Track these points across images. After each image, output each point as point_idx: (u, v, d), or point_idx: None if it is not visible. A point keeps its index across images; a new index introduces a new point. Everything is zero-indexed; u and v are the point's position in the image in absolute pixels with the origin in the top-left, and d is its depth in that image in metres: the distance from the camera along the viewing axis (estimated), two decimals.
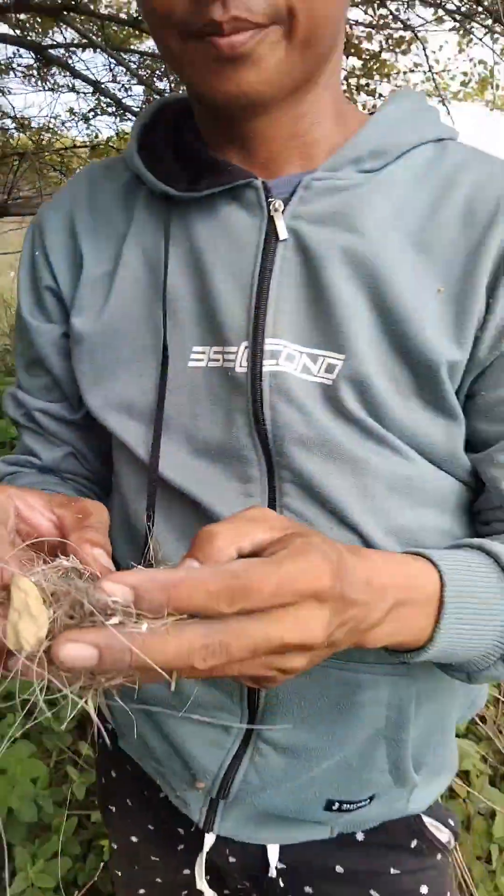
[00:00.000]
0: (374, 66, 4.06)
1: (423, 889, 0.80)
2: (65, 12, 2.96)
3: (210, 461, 0.68)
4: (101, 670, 0.38)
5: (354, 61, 4.14)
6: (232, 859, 0.81)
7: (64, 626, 0.39)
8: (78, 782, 1.92)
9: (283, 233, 0.64)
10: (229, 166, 0.65)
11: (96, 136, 4.70)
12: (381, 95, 3.86)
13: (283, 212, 0.64)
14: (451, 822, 0.84)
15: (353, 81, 4.16)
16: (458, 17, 2.46)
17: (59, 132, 4.78)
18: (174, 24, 0.57)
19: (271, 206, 0.64)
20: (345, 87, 4.11)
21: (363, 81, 4.20)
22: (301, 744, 0.71)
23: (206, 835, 0.79)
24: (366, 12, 3.38)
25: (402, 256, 0.63)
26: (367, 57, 4.05)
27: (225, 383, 0.66)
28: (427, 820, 0.81)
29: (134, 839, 0.92)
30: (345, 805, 0.74)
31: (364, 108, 4.48)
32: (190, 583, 0.40)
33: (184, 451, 0.69)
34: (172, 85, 4.12)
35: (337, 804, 0.74)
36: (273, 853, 0.79)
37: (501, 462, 0.66)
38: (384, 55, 4.11)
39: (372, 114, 0.69)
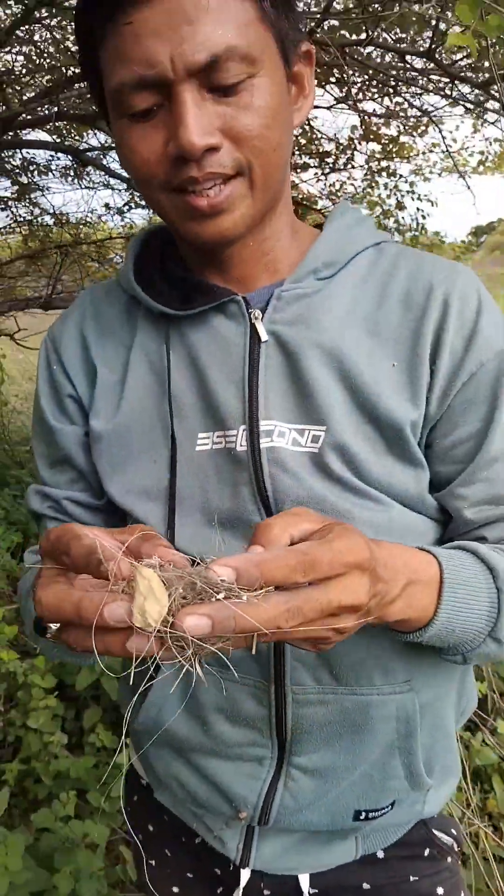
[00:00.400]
0: (394, 150, 4.23)
1: (440, 890, 0.91)
2: (98, 120, 3.20)
3: (222, 529, 0.80)
4: (213, 635, 0.48)
5: (374, 146, 4.32)
6: (267, 892, 0.90)
7: (180, 605, 0.49)
8: (131, 863, 1.89)
9: (263, 335, 0.78)
10: (214, 287, 0.80)
11: (131, 227, 4.94)
12: (401, 176, 4.01)
13: (261, 319, 0.79)
14: (454, 831, 0.95)
15: (374, 165, 4.32)
16: (469, 106, 2.60)
17: (95, 225, 5.05)
18: (159, 182, 0.71)
19: (252, 315, 0.79)
20: (366, 171, 4.28)
21: (384, 164, 4.37)
22: (327, 765, 0.81)
23: (242, 871, 0.88)
24: (381, 102, 3.55)
25: (359, 342, 0.78)
26: (386, 141, 4.22)
27: (229, 461, 0.79)
28: (435, 830, 0.92)
29: (175, 889, 0.99)
30: (371, 813, 0.83)
31: (386, 188, 4.66)
32: (275, 560, 0.51)
33: (198, 524, 0.80)
34: None
35: (364, 813, 0.83)
36: (304, 881, 0.88)
37: (460, 494, 0.79)
38: (402, 138, 4.28)
39: (320, 225, 0.87)
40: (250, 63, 0.66)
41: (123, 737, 0.65)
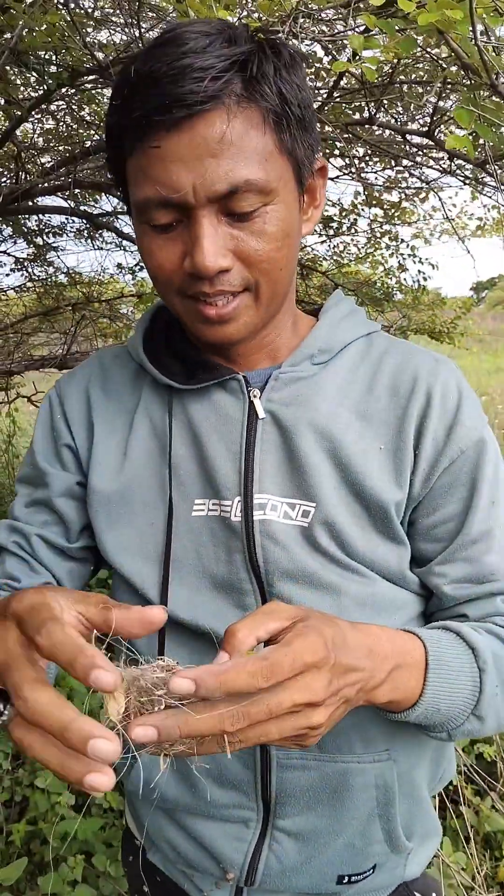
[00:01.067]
0: (395, 214, 4.36)
1: None
2: (112, 188, 3.34)
3: (214, 594, 0.84)
4: (160, 741, 0.54)
5: (377, 210, 4.46)
6: None
7: (138, 705, 0.54)
8: None
9: (261, 413, 0.84)
10: (217, 366, 0.87)
11: (142, 285, 5.07)
12: (402, 241, 4.13)
13: (260, 397, 0.85)
14: (435, 895, 0.98)
15: (376, 228, 4.45)
16: (465, 181, 2.72)
17: (107, 284, 5.18)
18: (174, 288, 0.78)
19: (251, 394, 0.85)
20: (369, 235, 4.41)
21: (385, 227, 4.50)
22: (310, 828, 0.85)
23: None
24: (382, 173, 3.69)
25: (350, 424, 0.83)
26: (388, 207, 4.36)
27: (223, 528, 0.83)
28: (417, 893, 0.95)
29: None
30: (353, 877, 0.87)
31: (387, 249, 4.79)
32: (234, 669, 0.54)
33: (191, 588, 0.85)
34: None
35: (346, 877, 0.87)
36: None
37: (440, 572, 0.84)
38: (404, 204, 4.42)
39: (316, 311, 0.94)
40: (266, 194, 0.72)
41: (125, 803, 0.67)
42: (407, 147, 2.88)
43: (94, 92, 2.67)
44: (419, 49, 1.73)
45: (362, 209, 4.07)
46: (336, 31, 1.93)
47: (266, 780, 0.84)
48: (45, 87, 2.19)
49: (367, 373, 0.87)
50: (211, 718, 0.53)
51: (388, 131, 3.13)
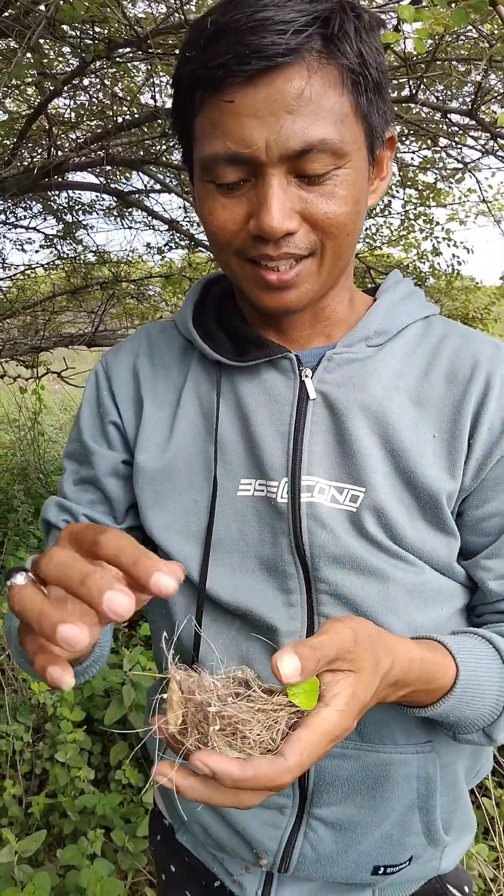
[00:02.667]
0: (431, 196, 4.29)
1: None
2: (145, 165, 3.31)
3: (256, 575, 0.82)
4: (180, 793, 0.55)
5: (412, 192, 4.39)
6: None
7: (195, 719, 0.56)
8: None
9: (312, 393, 0.81)
10: (269, 343, 0.83)
11: (170, 266, 5.05)
12: (437, 223, 4.06)
13: (311, 377, 0.82)
14: (466, 889, 0.97)
15: (410, 210, 4.38)
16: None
17: (135, 264, 5.17)
18: (234, 250, 0.75)
19: (303, 373, 0.82)
20: (402, 217, 4.34)
21: (420, 209, 4.43)
22: (347, 819, 0.83)
23: None
24: (417, 153, 3.62)
25: (403, 409, 0.80)
26: (423, 188, 4.28)
27: (269, 510, 0.81)
28: (450, 885, 0.94)
29: None
30: (389, 868, 0.85)
31: (421, 232, 4.72)
32: (254, 780, 0.53)
33: (233, 569, 0.83)
34: None
35: (382, 868, 0.85)
36: None
37: (486, 566, 0.82)
38: (439, 185, 4.34)
39: (373, 289, 0.91)
40: (339, 157, 0.70)
41: (152, 776, 0.66)
42: (445, 126, 2.82)
43: (129, 65, 2.64)
44: (468, 23, 1.68)
45: (397, 190, 4.00)
46: (385, 2, 1.88)
47: None
48: (82, 59, 2.15)
49: (423, 357, 0.84)
50: (231, 799, 0.56)
51: (425, 110, 3.07)
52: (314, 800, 0.83)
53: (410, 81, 2.37)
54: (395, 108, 2.71)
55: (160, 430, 0.88)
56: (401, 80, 2.47)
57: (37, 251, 6.49)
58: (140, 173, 3.93)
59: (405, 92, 2.47)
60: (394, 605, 0.77)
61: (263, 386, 0.84)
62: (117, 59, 2.47)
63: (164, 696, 0.57)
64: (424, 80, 2.44)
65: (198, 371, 0.89)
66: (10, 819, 2.28)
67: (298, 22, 0.65)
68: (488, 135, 2.58)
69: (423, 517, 0.80)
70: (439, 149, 3.76)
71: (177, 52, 2.01)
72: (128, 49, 2.38)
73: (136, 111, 3.19)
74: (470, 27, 1.63)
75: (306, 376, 0.82)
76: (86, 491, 0.94)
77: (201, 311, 0.91)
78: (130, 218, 4.80)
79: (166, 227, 4.30)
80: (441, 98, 2.77)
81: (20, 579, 0.52)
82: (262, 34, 0.65)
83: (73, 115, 3.71)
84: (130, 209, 4.42)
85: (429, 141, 3.66)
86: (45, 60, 2.60)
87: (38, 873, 1.78)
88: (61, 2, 1.81)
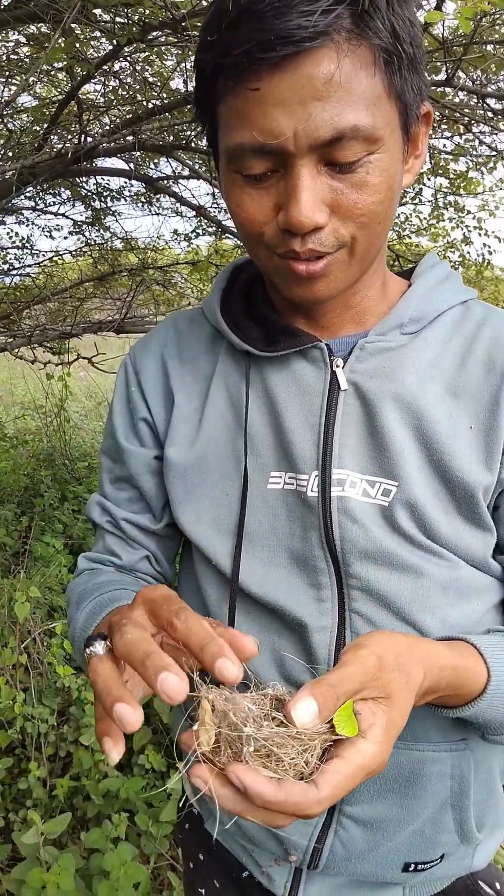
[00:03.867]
0: (461, 185, 4.22)
1: None
2: (175, 150, 3.29)
3: (287, 570, 0.80)
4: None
5: (442, 180, 4.33)
6: None
7: (228, 738, 0.54)
8: (178, 889, 1.88)
9: (343, 384, 0.79)
10: (299, 332, 0.81)
11: (196, 253, 5.03)
12: (468, 212, 4.00)
13: (343, 367, 0.79)
14: (498, 886, 0.95)
15: (440, 199, 4.32)
16: None
17: (162, 250, 5.16)
18: (263, 244, 0.72)
19: (333, 363, 0.80)
20: (433, 205, 4.28)
21: (450, 199, 4.37)
22: (379, 816, 0.81)
23: None
24: (451, 139, 3.56)
25: (438, 400, 0.77)
26: (454, 176, 4.22)
27: (299, 503, 0.79)
28: (481, 882, 0.92)
29: None
30: (420, 865, 0.83)
31: (450, 221, 4.66)
32: (283, 805, 0.52)
33: (264, 562, 0.81)
34: None
35: (413, 865, 0.83)
36: None
37: None
38: (471, 174, 4.28)
39: (407, 272, 0.88)
40: (372, 142, 0.66)
41: (183, 764, 0.66)
42: (483, 111, 2.76)
43: (163, 49, 2.61)
44: None
45: (428, 178, 3.94)
46: None
47: None
48: (116, 42, 2.14)
49: (460, 345, 0.80)
50: (262, 817, 0.55)
51: (460, 95, 3.01)
52: (346, 797, 0.81)
53: (447, 65, 2.33)
54: (429, 93, 2.66)
55: (189, 423, 0.87)
56: (437, 64, 2.42)
57: (65, 237, 6.52)
58: (169, 159, 3.91)
59: (441, 76, 2.43)
60: (428, 601, 0.75)
61: (293, 376, 0.81)
62: (151, 42, 2.45)
63: (195, 713, 0.56)
64: (461, 64, 2.39)
65: (226, 361, 0.87)
66: (34, 801, 2.30)
67: (326, 1, 0.60)
68: None
69: (457, 511, 0.77)
70: (472, 136, 3.69)
71: None
72: (160, 33, 2.36)
73: (166, 96, 3.17)
74: None
75: (337, 366, 0.79)
76: (123, 490, 0.94)
77: (229, 298, 0.89)
78: (158, 204, 4.79)
79: (194, 213, 4.28)
80: (477, 82, 2.72)
81: (99, 649, 0.59)
82: (287, 17, 0.60)
83: (103, 100, 3.70)
84: (159, 195, 4.40)
85: (462, 128, 3.60)
86: (78, 45, 2.58)
87: (63, 855, 1.80)
88: None
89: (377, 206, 0.69)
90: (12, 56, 3.49)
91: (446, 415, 0.77)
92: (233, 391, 0.85)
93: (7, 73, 3.38)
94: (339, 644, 0.77)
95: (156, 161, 4.32)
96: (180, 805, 1.09)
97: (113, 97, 3.55)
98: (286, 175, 0.67)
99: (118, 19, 2.16)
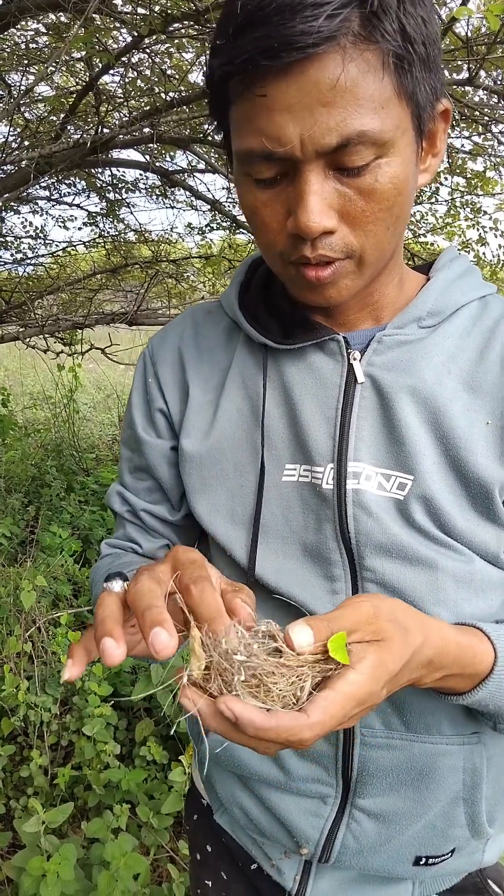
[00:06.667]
0: (479, 185, 4.20)
1: None
2: (193, 143, 3.28)
3: (301, 562, 0.81)
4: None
5: (459, 180, 4.30)
6: None
7: (220, 667, 0.56)
8: (178, 881, 1.88)
9: (360, 377, 0.79)
10: (316, 325, 0.82)
11: (209, 247, 5.03)
12: (485, 212, 3.98)
13: (360, 360, 0.79)
14: None
15: (457, 198, 4.30)
16: None
17: (175, 244, 5.16)
18: (277, 252, 0.73)
19: (351, 356, 0.80)
20: (448, 205, 4.26)
21: (467, 198, 4.34)
22: (391, 810, 0.82)
23: None
24: (469, 138, 3.54)
25: (455, 395, 0.77)
26: (471, 176, 4.19)
27: (314, 496, 0.80)
28: (490, 880, 0.92)
29: None
30: (430, 859, 0.84)
31: (467, 220, 4.63)
32: (275, 731, 0.53)
33: (278, 554, 0.82)
34: None
35: (424, 859, 0.84)
36: None
37: None
38: (488, 174, 4.25)
39: (425, 266, 0.87)
40: (381, 146, 0.65)
41: (194, 757, 0.67)
42: (502, 112, 2.74)
43: (184, 41, 2.60)
44: None
45: (445, 177, 3.92)
46: None
47: (348, 756, 0.81)
48: (137, 33, 2.13)
49: (479, 339, 0.80)
50: (249, 742, 0.56)
51: (480, 94, 2.99)
52: (358, 790, 0.82)
53: (469, 63, 2.31)
54: (450, 92, 2.64)
55: (204, 415, 0.87)
56: (458, 63, 2.41)
57: (79, 228, 6.51)
58: (186, 152, 3.91)
59: (463, 74, 2.41)
60: (442, 595, 0.75)
61: (310, 369, 0.81)
62: (172, 34, 2.44)
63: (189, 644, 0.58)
64: (484, 63, 2.37)
65: (243, 353, 0.87)
66: (35, 789, 2.31)
67: (332, 4, 0.59)
68: None
69: (472, 506, 0.77)
70: (491, 135, 3.67)
71: None
72: (181, 25, 2.35)
73: (184, 89, 3.16)
74: None
75: (354, 359, 0.79)
76: (141, 479, 0.95)
77: (247, 291, 0.89)
78: (173, 197, 4.78)
79: (209, 207, 4.27)
80: (500, 82, 2.70)
81: (115, 586, 0.63)
82: (291, 22, 0.59)
83: (121, 91, 3.70)
84: (174, 188, 4.39)
85: (480, 127, 3.58)
86: (100, 33, 2.58)
87: (64, 844, 1.80)
88: None
89: (385, 213, 0.68)
90: (31, 45, 3.49)
91: (463, 410, 0.77)
92: (249, 383, 0.85)
93: (26, 61, 3.37)
94: None
95: (172, 154, 4.31)
96: (184, 796, 1.09)
97: (131, 89, 3.54)
98: (294, 180, 0.66)
99: (139, 10, 2.15)
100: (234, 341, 0.89)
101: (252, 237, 4.70)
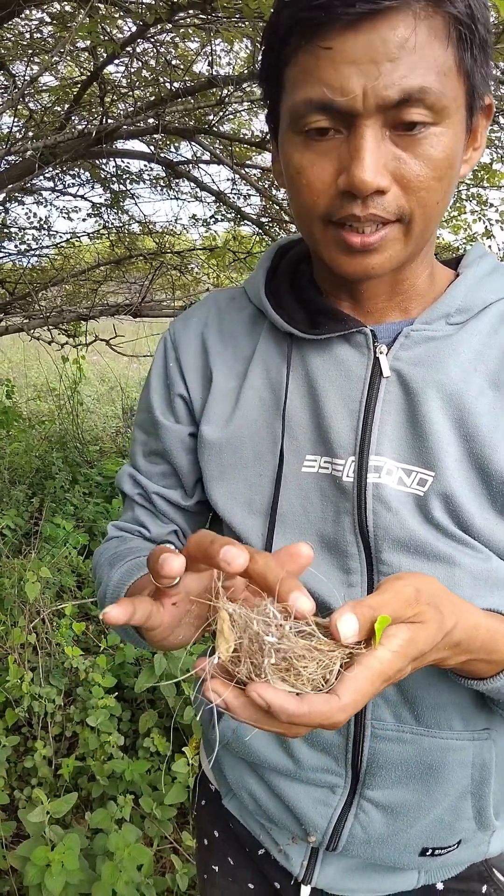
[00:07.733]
0: (485, 177, 4.18)
1: None
2: (198, 134, 3.27)
3: (318, 553, 0.80)
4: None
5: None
6: None
7: (248, 649, 0.54)
8: (181, 872, 1.89)
9: (386, 371, 0.79)
10: (344, 316, 0.80)
11: (213, 239, 5.01)
12: (491, 205, 3.96)
13: (386, 354, 0.79)
14: None
15: (462, 190, 4.28)
16: None
17: (179, 235, 5.14)
18: (319, 214, 0.71)
19: (377, 350, 0.79)
20: (454, 197, 4.24)
21: (472, 191, 4.32)
22: (400, 802, 0.82)
23: (303, 887, 0.89)
24: None
25: (481, 393, 0.77)
26: (478, 168, 4.17)
27: (333, 488, 0.79)
28: (495, 869, 0.92)
29: None
30: (437, 851, 0.84)
31: (473, 214, 4.61)
32: (309, 717, 0.52)
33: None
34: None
35: (430, 850, 0.84)
36: None
37: None
38: (495, 166, 4.23)
39: (453, 262, 0.87)
40: (437, 112, 0.65)
41: (201, 747, 0.66)
42: None
43: (189, 31, 2.59)
44: None
45: None
46: None
47: (358, 748, 0.81)
48: (143, 22, 2.12)
49: None
50: (280, 727, 0.55)
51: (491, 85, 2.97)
52: (367, 781, 0.82)
53: None
54: None
55: (226, 403, 0.87)
56: None
57: (83, 220, 6.50)
58: (191, 142, 3.89)
59: None
60: (458, 591, 0.74)
61: (335, 361, 0.81)
62: (177, 23, 2.42)
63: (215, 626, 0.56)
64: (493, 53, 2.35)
65: (267, 342, 0.86)
66: (39, 779, 2.32)
67: None
68: None
69: (492, 505, 0.76)
70: (499, 127, 3.65)
71: (241, 14, 1.96)
72: (187, 14, 2.34)
73: (189, 79, 3.14)
74: None
75: (381, 353, 0.79)
76: (156, 463, 0.95)
77: (273, 278, 0.88)
78: (177, 189, 4.76)
79: (213, 198, 4.25)
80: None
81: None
82: None
83: (125, 81, 3.68)
84: (178, 179, 4.38)
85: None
86: (102, 25, 2.56)
87: (68, 835, 1.80)
88: None
89: (437, 182, 0.68)
90: (35, 35, 3.47)
91: (489, 408, 0.76)
92: (272, 372, 0.84)
93: (30, 51, 3.35)
94: None
95: (176, 145, 4.29)
96: (188, 786, 1.09)
97: (136, 79, 3.52)
98: (351, 136, 0.66)
99: (144, 1, 2.13)
100: (258, 329, 0.88)
101: (255, 228, 4.69)
